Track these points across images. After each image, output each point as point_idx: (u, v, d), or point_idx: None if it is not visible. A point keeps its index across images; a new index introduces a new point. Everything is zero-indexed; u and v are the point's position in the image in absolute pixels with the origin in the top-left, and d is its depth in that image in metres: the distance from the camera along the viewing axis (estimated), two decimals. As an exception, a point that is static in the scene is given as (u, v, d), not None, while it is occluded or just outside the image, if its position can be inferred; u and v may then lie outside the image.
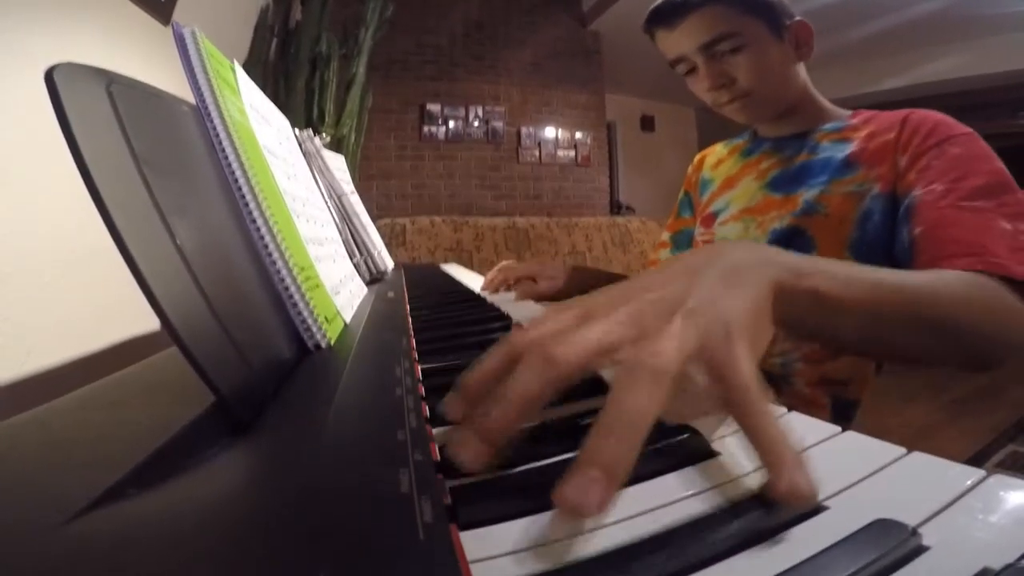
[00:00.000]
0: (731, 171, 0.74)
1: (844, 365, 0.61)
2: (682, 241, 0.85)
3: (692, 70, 0.65)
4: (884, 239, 0.57)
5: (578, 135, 4.00)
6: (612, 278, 0.79)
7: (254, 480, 0.19)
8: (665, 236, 0.88)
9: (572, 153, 3.99)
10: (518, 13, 3.81)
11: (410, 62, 3.53)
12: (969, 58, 3.38)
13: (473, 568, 0.14)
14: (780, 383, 0.62)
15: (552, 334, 0.22)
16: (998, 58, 3.26)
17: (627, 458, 0.17)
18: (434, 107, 3.59)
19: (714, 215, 0.74)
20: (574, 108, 4.01)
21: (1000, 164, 0.52)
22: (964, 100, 3.66)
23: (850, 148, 0.61)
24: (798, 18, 0.63)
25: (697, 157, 0.84)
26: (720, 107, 0.66)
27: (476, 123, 3.70)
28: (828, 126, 0.65)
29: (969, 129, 0.56)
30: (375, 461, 0.19)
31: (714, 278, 0.24)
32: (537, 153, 3.88)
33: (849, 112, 0.67)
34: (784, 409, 0.26)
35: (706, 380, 0.21)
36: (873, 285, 0.33)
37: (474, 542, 0.16)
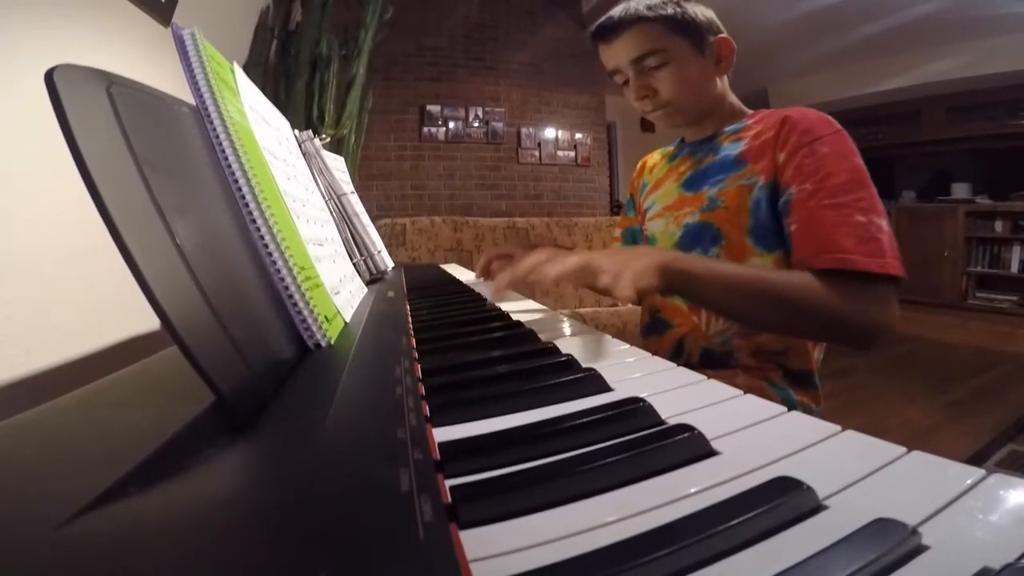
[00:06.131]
0: (659, 174, 0.84)
1: (772, 338, 0.69)
2: (628, 237, 0.97)
3: (626, 81, 0.73)
4: (772, 224, 0.65)
5: (578, 135, 4.00)
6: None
7: (254, 480, 0.19)
8: (617, 233, 1.00)
9: (572, 153, 3.98)
10: (518, 15, 3.81)
11: (410, 63, 3.52)
12: (970, 58, 3.38)
13: (473, 567, 0.14)
14: (727, 359, 0.70)
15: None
16: (999, 59, 3.26)
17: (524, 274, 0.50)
18: (434, 108, 3.59)
19: (646, 212, 0.85)
20: (574, 109, 4.00)
21: (859, 161, 0.60)
22: (965, 100, 3.66)
23: (740, 147, 0.69)
24: (722, 35, 0.71)
25: (639, 164, 0.95)
26: (646, 115, 0.75)
27: (476, 124, 3.69)
28: (729, 128, 0.73)
29: (839, 128, 0.62)
30: (375, 460, 0.19)
31: (630, 255, 0.51)
32: (537, 153, 3.88)
33: (751, 112, 0.74)
34: (784, 408, 0.26)
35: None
36: (723, 269, 0.56)
37: (474, 542, 0.16)
